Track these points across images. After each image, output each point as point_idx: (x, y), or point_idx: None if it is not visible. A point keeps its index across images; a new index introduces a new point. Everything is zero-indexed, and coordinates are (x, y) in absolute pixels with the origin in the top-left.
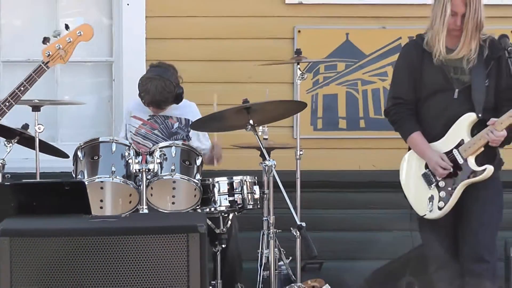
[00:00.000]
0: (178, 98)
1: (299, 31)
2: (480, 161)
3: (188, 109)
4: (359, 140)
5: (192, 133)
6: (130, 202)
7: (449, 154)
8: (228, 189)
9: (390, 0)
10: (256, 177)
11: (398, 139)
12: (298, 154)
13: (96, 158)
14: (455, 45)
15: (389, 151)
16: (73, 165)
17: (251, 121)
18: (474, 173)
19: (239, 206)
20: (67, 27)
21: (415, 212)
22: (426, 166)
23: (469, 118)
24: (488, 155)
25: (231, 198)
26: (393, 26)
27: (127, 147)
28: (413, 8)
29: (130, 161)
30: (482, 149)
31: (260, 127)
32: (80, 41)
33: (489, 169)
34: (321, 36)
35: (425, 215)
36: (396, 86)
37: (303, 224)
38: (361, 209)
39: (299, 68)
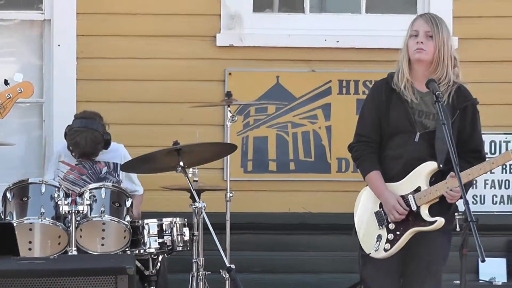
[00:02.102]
0: (106, 144)
1: (230, 74)
2: (435, 209)
3: (116, 153)
4: (289, 183)
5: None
6: (59, 243)
7: (404, 198)
8: (157, 231)
9: (319, 43)
10: (186, 219)
11: (328, 181)
12: (228, 196)
13: (25, 199)
14: (424, 88)
15: (319, 193)
16: (2, 206)
17: (181, 163)
18: (424, 223)
19: (169, 248)
20: (6, 82)
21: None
22: (381, 205)
23: (430, 166)
24: (444, 204)
25: (160, 240)
26: (323, 69)
27: (56, 189)
28: (342, 52)
29: (59, 202)
30: (437, 200)
31: (191, 169)
32: (19, 98)
33: (439, 222)
34: (252, 79)
35: (370, 253)
36: (361, 124)
37: (233, 266)
38: (291, 251)
39: (230, 111)
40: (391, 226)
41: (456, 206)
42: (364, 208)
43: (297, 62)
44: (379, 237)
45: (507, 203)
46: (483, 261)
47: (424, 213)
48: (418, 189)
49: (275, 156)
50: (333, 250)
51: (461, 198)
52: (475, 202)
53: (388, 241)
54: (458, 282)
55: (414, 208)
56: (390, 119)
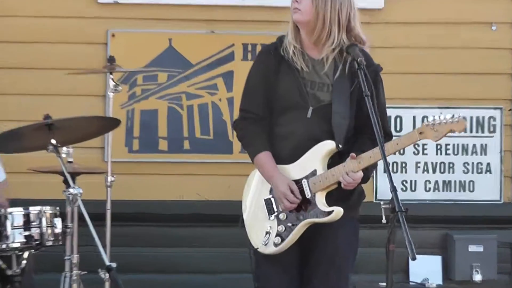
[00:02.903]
0: None
1: (113, 35)
2: (334, 195)
3: None
4: (183, 165)
5: None
6: None
7: (297, 183)
8: (23, 221)
9: (220, 1)
10: (58, 208)
11: (229, 163)
12: (110, 180)
13: None
14: (318, 55)
15: (218, 177)
16: None
17: (53, 141)
18: (319, 214)
19: (37, 242)
20: None
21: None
22: (271, 191)
23: (328, 147)
24: (344, 190)
25: (26, 233)
26: (224, 31)
27: None
28: (247, 11)
29: None
30: (336, 186)
31: (64, 148)
32: None
33: (336, 212)
34: (140, 42)
35: (258, 248)
36: (247, 97)
37: (114, 264)
38: (183, 247)
39: (113, 79)
40: (282, 216)
41: (362, 190)
42: (253, 194)
43: (194, 22)
44: (268, 230)
45: (442, 190)
46: (413, 259)
47: (320, 201)
48: (313, 173)
49: (166, 133)
50: (233, 245)
51: (361, 183)
52: (404, 188)
53: (278, 234)
54: (384, 284)
55: (308, 195)
56: (279, 92)
